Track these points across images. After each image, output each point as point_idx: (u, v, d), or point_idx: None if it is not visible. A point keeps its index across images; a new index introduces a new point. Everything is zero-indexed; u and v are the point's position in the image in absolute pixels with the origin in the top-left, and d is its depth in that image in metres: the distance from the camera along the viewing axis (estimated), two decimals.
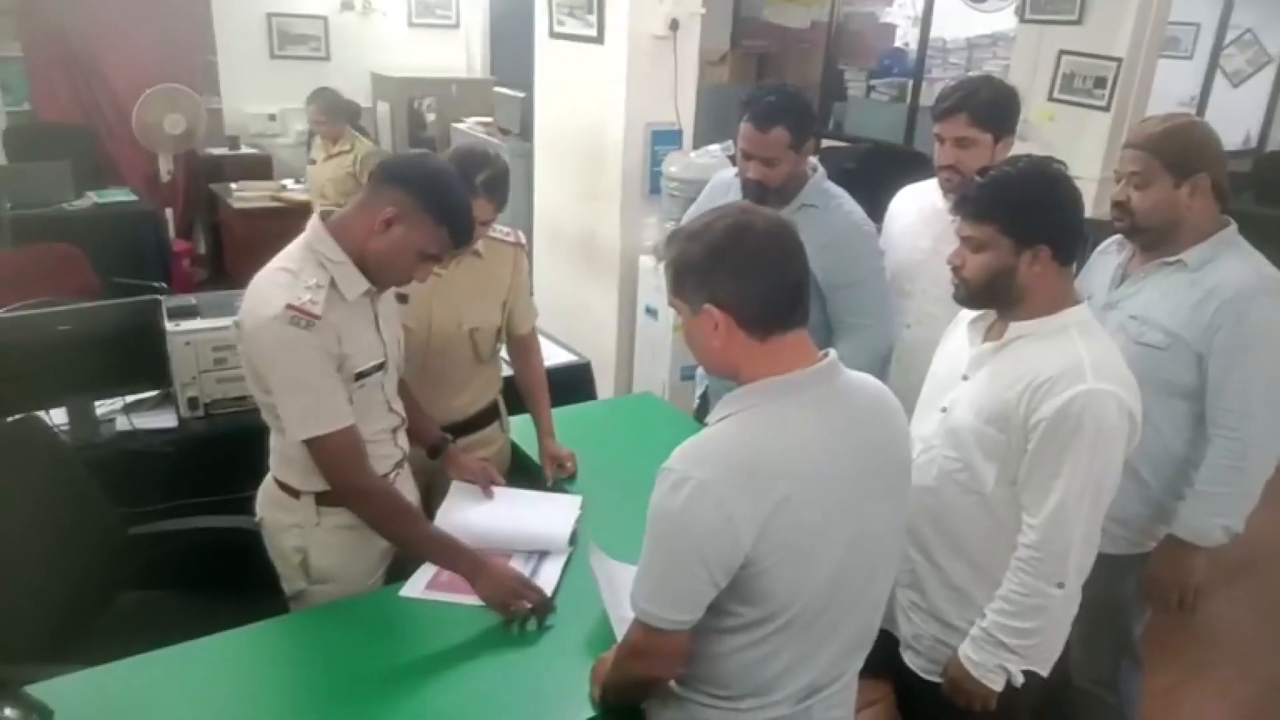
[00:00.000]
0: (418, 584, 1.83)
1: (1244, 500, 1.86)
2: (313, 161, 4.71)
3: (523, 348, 2.33)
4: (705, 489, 1.19)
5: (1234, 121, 6.88)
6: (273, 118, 6.23)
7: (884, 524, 1.34)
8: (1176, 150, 1.84)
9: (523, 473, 2.35)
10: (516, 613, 1.71)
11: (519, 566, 1.85)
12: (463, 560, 1.75)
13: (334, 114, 4.52)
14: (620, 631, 1.54)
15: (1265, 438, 1.83)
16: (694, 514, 1.19)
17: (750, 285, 1.24)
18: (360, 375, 1.71)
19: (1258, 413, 1.81)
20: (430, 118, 6.31)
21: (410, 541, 1.79)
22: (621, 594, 1.60)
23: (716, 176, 2.59)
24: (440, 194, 1.66)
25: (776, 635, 1.29)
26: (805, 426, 1.26)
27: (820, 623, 1.31)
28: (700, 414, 2.67)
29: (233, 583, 1.99)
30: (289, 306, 1.58)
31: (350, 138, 4.61)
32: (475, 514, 2.01)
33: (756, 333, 1.26)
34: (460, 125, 5.45)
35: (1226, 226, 1.89)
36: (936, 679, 1.70)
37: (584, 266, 3.97)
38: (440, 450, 2.09)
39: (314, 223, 1.69)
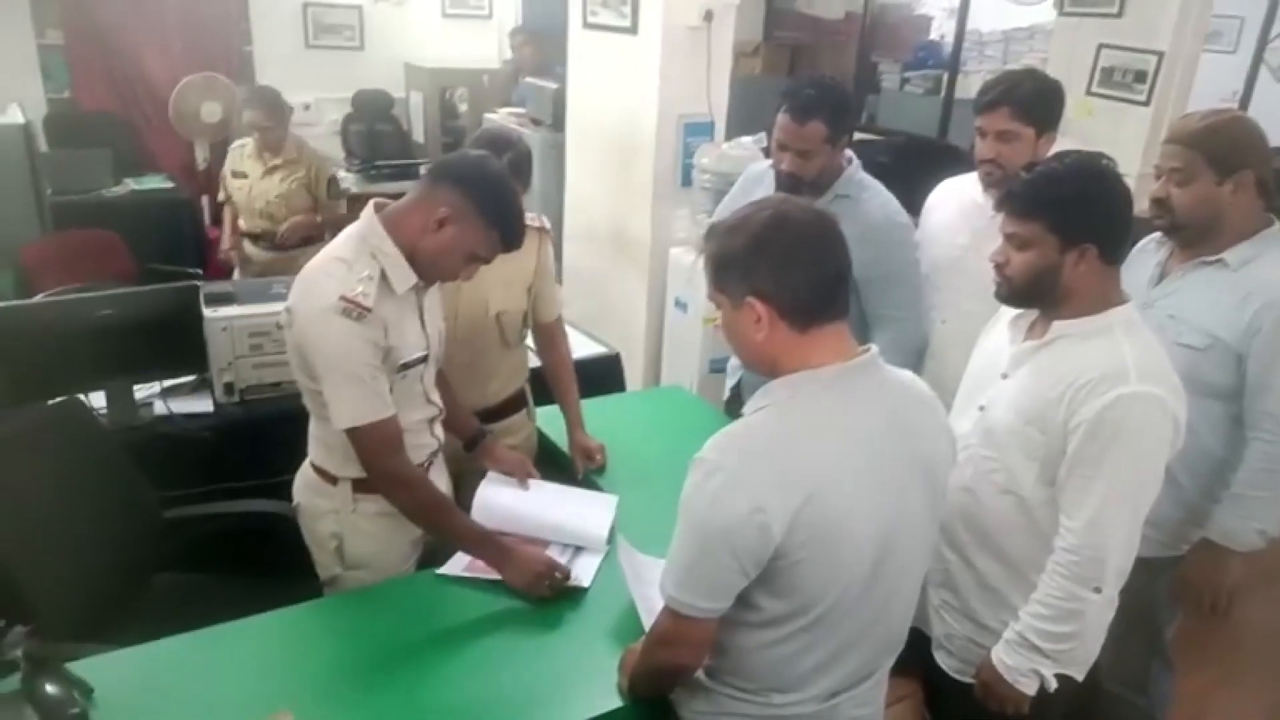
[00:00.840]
0: (457, 565, 1.85)
1: None
2: (240, 175, 3.81)
3: (549, 336, 2.33)
4: (737, 479, 1.20)
5: (1279, 117, 6.73)
6: (307, 107, 6.26)
7: (918, 521, 1.33)
8: (1220, 146, 1.81)
9: (550, 463, 2.35)
10: (544, 596, 1.74)
11: (556, 556, 1.86)
12: (492, 549, 1.78)
13: (280, 118, 3.79)
14: (648, 623, 1.55)
15: None
16: (725, 504, 1.20)
17: (792, 275, 1.24)
18: (403, 367, 1.74)
19: None
20: (462, 108, 6.33)
21: (443, 530, 1.82)
22: (650, 588, 1.61)
23: (749, 169, 2.58)
24: (495, 197, 1.68)
25: (806, 632, 1.29)
26: (840, 420, 1.26)
27: (851, 620, 1.31)
28: (730, 407, 2.66)
29: (267, 566, 2.02)
30: (342, 298, 1.60)
31: (295, 145, 3.87)
32: (516, 501, 2.03)
33: (798, 324, 1.26)
34: (492, 115, 5.46)
35: (1270, 225, 1.86)
36: (968, 679, 1.68)
37: (615, 258, 3.97)
38: (477, 441, 2.10)
39: (368, 213, 1.71)
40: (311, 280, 1.66)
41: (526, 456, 2.18)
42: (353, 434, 1.68)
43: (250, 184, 3.81)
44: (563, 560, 1.86)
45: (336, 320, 1.60)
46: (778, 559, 1.22)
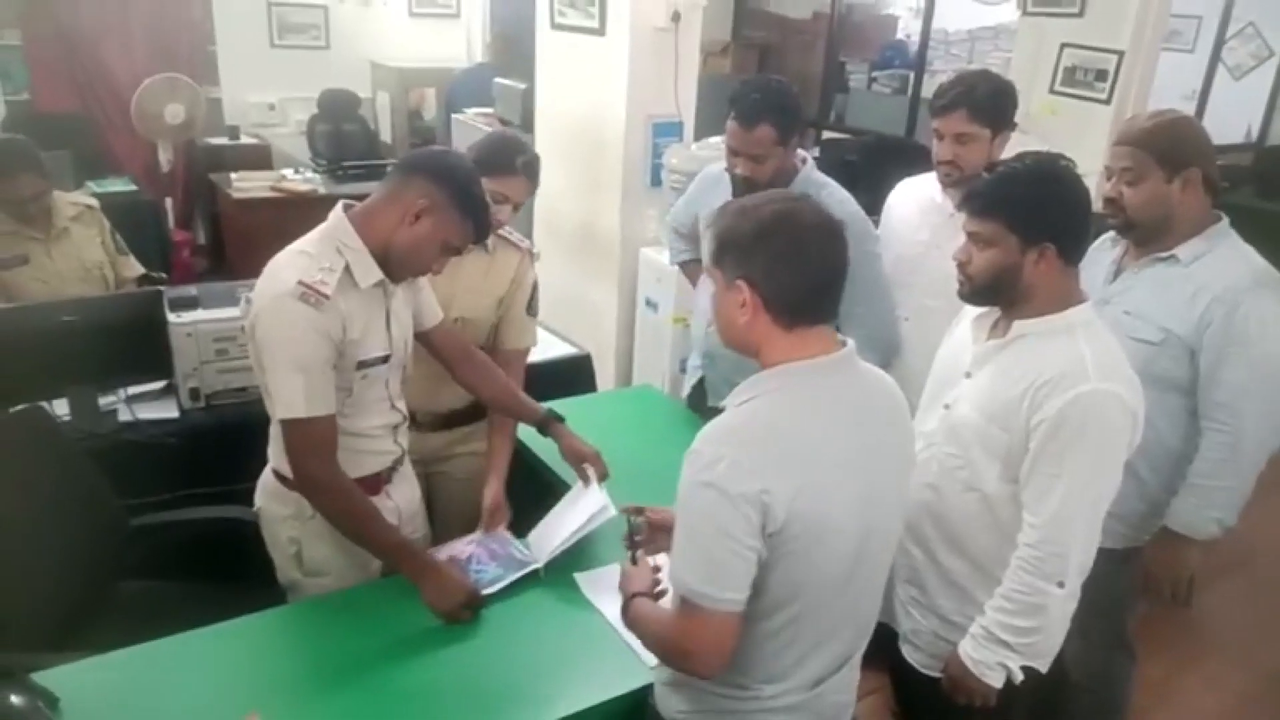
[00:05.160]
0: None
1: (1237, 493, 1.87)
2: (19, 261, 2.82)
3: (506, 363, 2.19)
4: (740, 464, 1.21)
5: (1235, 115, 6.87)
6: (272, 107, 6.22)
7: (891, 511, 1.38)
8: (1167, 145, 1.85)
9: (521, 467, 2.35)
10: (456, 618, 1.72)
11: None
12: (413, 564, 1.76)
13: (47, 171, 2.87)
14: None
15: (1257, 431, 1.83)
16: (733, 487, 1.21)
17: (785, 274, 1.27)
18: (363, 365, 1.73)
19: (1249, 406, 1.82)
20: (428, 115, 6.30)
21: (364, 541, 1.78)
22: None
23: (706, 170, 2.60)
24: (466, 188, 1.70)
25: (795, 622, 1.31)
26: (826, 412, 1.30)
27: (833, 607, 1.34)
28: (693, 402, 2.67)
29: (235, 573, 2.00)
30: (300, 283, 1.60)
31: (62, 199, 2.99)
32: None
33: (782, 319, 1.29)
34: (460, 116, 5.44)
35: (1218, 221, 1.90)
36: (935, 674, 1.70)
37: (584, 259, 3.97)
38: (546, 426, 2.06)
39: (336, 213, 1.72)
40: (274, 270, 1.67)
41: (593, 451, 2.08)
42: (288, 426, 1.67)
43: (40, 270, 2.86)
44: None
45: (293, 305, 1.60)
46: (775, 546, 1.24)
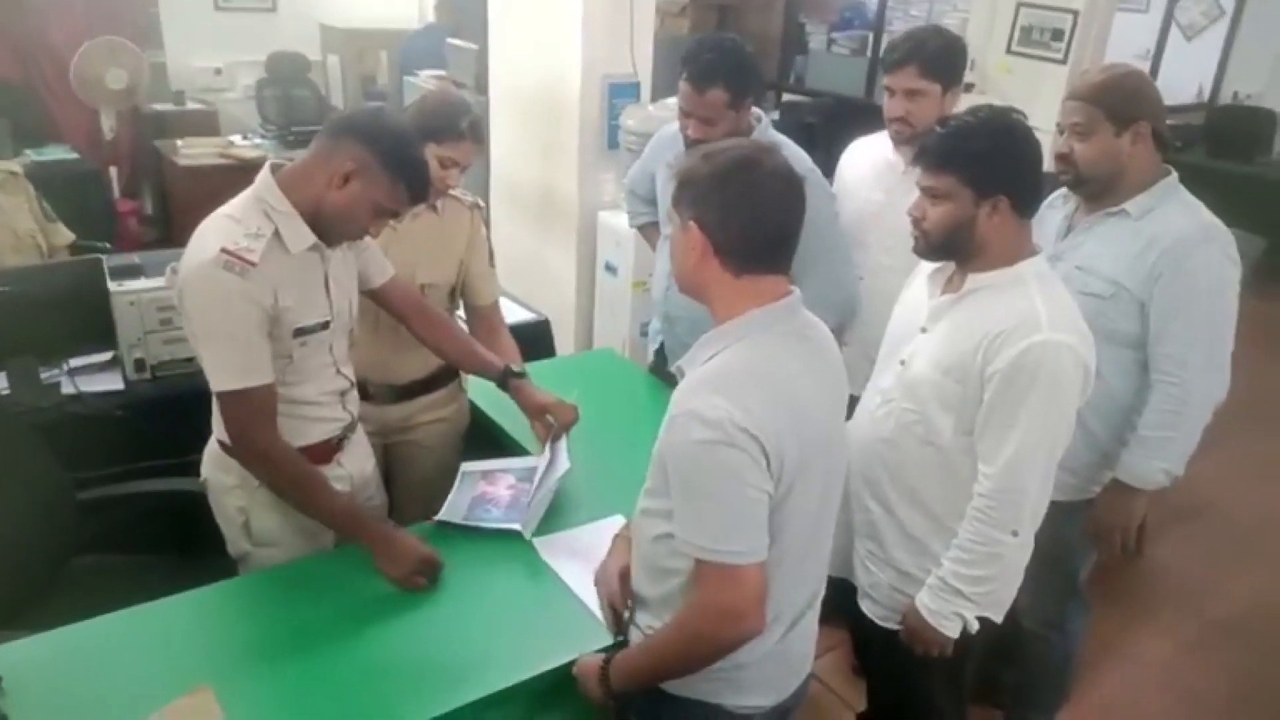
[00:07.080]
0: (457, 512, 1.90)
1: (1184, 444, 1.90)
2: None
3: (485, 323, 2.26)
4: (733, 410, 1.21)
5: (1188, 75, 6.95)
6: (218, 72, 6.04)
7: (843, 452, 1.41)
8: (1116, 99, 1.86)
9: (482, 434, 2.33)
10: (412, 584, 1.69)
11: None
12: (365, 533, 1.72)
13: None
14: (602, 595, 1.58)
15: (1204, 383, 1.86)
16: (736, 434, 1.20)
17: (735, 220, 1.26)
18: (301, 332, 1.68)
19: (1197, 359, 1.85)
20: (381, 80, 6.16)
21: (311, 509, 1.74)
22: (591, 548, 1.66)
23: (661, 131, 2.56)
24: (398, 150, 1.63)
25: (771, 567, 1.29)
26: (790, 356, 1.30)
27: (805, 552, 1.36)
28: (656, 368, 2.66)
29: (184, 545, 1.97)
30: (224, 250, 1.54)
31: None
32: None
33: (731, 266, 1.28)
34: (413, 79, 5.32)
35: (1168, 175, 1.92)
36: (894, 626, 1.73)
37: (542, 223, 3.92)
38: (506, 381, 2.04)
39: (264, 175, 1.65)
40: (200, 237, 1.60)
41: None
42: (223, 398, 1.63)
43: None
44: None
45: (217, 274, 1.53)
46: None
